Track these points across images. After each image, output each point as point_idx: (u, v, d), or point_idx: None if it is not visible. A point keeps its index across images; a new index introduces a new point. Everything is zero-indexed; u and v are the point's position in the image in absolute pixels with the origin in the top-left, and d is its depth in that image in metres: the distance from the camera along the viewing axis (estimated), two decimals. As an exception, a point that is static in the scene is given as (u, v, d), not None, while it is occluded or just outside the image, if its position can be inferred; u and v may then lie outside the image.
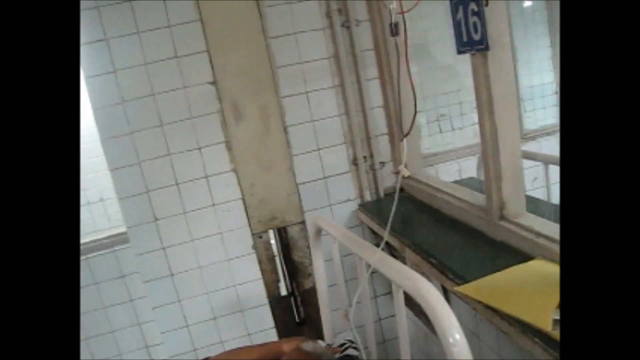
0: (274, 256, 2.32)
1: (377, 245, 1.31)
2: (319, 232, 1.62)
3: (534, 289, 1.24)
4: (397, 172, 1.87)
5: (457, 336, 0.89)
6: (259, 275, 2.30)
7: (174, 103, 2.10)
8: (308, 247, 2.26)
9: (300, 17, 2.17)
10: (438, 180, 2.19)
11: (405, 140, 1.59)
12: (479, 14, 1.38)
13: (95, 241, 2.89)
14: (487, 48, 1.40)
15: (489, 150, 1.53)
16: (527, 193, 1.64)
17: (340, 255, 1.59)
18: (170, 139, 2.13)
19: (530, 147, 2.88)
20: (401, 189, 2.31)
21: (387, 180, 2.39)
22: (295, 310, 2.37)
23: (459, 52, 1.54)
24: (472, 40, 1.45)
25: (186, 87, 2.10)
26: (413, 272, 1.07)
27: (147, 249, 2.18)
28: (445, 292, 1.53)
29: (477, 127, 1.58)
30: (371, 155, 2.34)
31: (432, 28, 2.88)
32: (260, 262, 2.29)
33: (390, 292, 2.32)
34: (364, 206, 2.33)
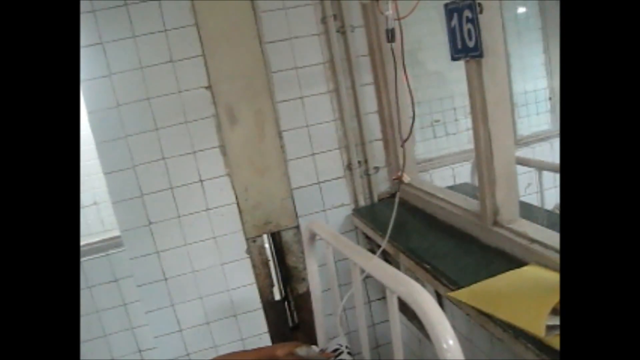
0: (267, 261, 2.31)
1: (371, 250, 1.32)
2: (313, 236, 1.62)
3: (527, 295, 1.24)
4: (396, 179, 1.88)
5: (451, 342, 0.89)
6: (253, 279, 2.29)
7: (169, 107, 2.10)
8: (302, 251, 2.26)
9: (295, 23, 2.18)
10: (432, 185, 2.20)
11: (404, 145, 1.59)
12: (474, 21, 1.39)
13: (88, 245, 2.88)
14: (481, 55, 1.41)
15: (482, 156, 1.54)
16: (521, 199, 1.65)
17: (334, 260, 1.59)
18: (165, 143, 2.12)
19: (524, 153, 2.90)
20: (396, 195, 2.31)
21: (382, 186, 2.39)
22: (289, 315, 2.37)
23: (454, 58, 1.54)
24: (466, 47, 1.46)
25: (181, 91, 2.10)
26: (407, 278, 1.07)
27: (141, 252, 2.17)
28: (439, 298, 1.53)
29: (471, 132, 1.58)
30: (365, 161, 2.34)
31: (426, 34, 2.89)
32: (254, 266, 2.28)
33: (384, 297, 2.32)
34: (358, 211, 2.34)
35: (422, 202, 2.07)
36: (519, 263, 1.42)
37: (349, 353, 1.53)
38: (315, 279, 1.67)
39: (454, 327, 0.91)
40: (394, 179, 2.27)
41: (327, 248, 1.55)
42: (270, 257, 2.32)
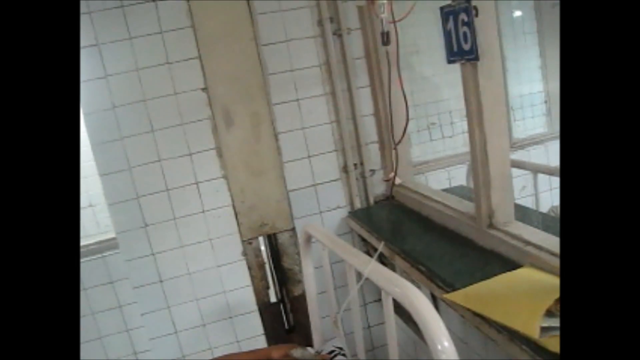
0: (263, 263, 2.31)
1: (367, 252, 1.32)
2: (309, 239, 1.62)
3: (522, 297, 1.25)
4: (387, 180, 1.89)
5: (446, 343, 0.89)
6: (249, 281, 2.29)
7: (165, 109, 2.10)
8: (298, 254, 2.26)
9: (292, 25, 2.19)
10: (428, 188, 2.20)
11: (397, 148, 1.60)
12: (469, 24, 1.40)
13: (84, 247, 2.88)
14: (477, 58, 1.41)
15: (478, 158, 1.55)
16: (516, 201, 1.65)
17: (330, 262, 1.59)
18: (161, 145, 2.12)
19: (519, 155, 2.91)
20: (392, 197, 2.32)
21: (377, 188, 2.39)
22: (285, 317, 2.37)
23: (449, 61, 1.55)
24: (462, 50, 1.46)
25: (177, 93, 2.10)
26: (402, 280, 1.07)
27: (137, 254, 2.17)
28: (434, 300, 1.54)
29: (466, 135, 1.59)
30: (361, 163, 2.35)
31: (422, 37, 2.90)
32: (249, 268, 2.28)
33: (379, 300, 2.32)
34: (354, 213, 2.34)
35: (418, 205, 2.08)
36: (513, 265, 1.42)
37: (343, 355, 1.53)
38: (311, 281, 1.67)
39: (449, 329, 0.91)
40: (385, 180, 2.28)
41: (323, 250, 1.55)
42: (266, 259, 2.32)
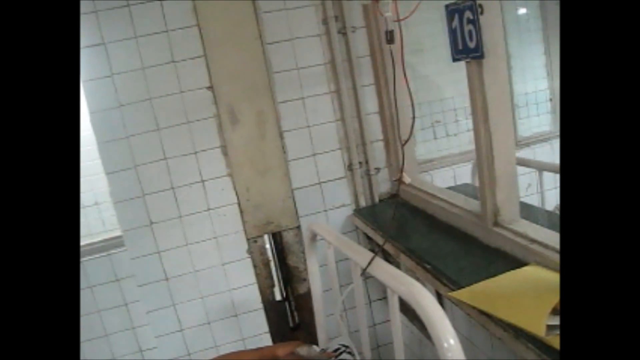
0: (268, 261, 2.32)
1: (372, 251, 1.32)
2: (314, 237, 1.63)
3: (527, 295, 1.25)
4: (397, 180, 1.88)
5: (452, 341, 0.89)
6: (254, 279, 2.30)
7: (170, 107, 2.11)
8: (303, 252, 2.27)
9: (297, 24, 2.19)
10: (433, 186, 2.20)
11: (404, 147, 1.60)
12: (474, 22, 1.40)
13: (89, 245, 2.89)
14: (482, 56, 1.41)
15: (483, 156, 1.55)
16: (521, 199, 1.65)
17: (335, 260, 1.60)
18: (167, 143, 2.13)
19: (525, 153, 2.90)
20: (396, 195, 2.32)
21: (382, 186, 2.40)
22: (290, 315, 2.37)
23: (454, 59, 1.55)
24: (467, 48, 1.46)
25: (183, 91, 2.11)
26: (408, 278, 1.07)
27: (142, 252, 2.18)
28: (440, 298, 1.54)
29: (472, 133, 1.59)
30: (366, 161, 2.35)
31: (427, 35, 2.89)
32: (255, 266, 2.29)
33: (384, 297, 2.33)
34: (359, 211, 2.34)
35: (423, 203, 2.08)
36: (519, 263, 1.42)
37: (349, 353, 1.53)
38: (316, 279, 1.67)
39: (454, 327, 0.91)
40: (395, 180, 2.28)
41: (328, 248, 1.56)
42: (271, 257, 2.33)
